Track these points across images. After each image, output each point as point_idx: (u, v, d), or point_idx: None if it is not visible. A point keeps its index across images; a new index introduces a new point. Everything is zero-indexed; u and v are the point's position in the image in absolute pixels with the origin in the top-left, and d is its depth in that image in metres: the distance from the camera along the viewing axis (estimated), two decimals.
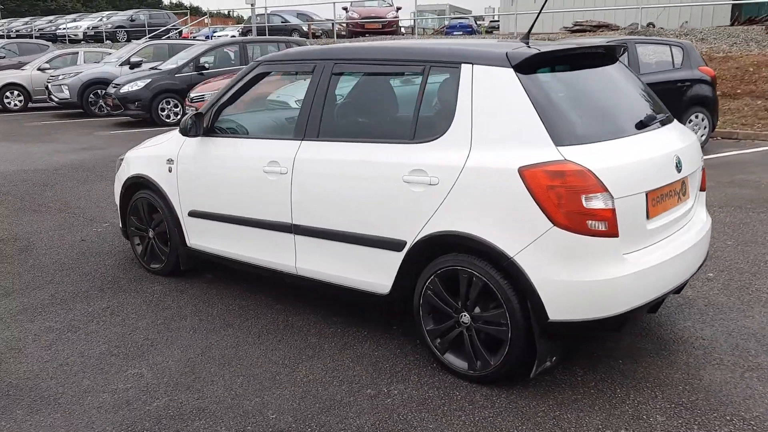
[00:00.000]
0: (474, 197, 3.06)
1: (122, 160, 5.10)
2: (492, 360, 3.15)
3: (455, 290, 3.24)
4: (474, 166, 3.07)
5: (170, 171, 4.55)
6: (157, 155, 4.66)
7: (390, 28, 25.08)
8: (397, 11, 26.37)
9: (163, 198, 4.64)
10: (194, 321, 4.11)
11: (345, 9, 26.43)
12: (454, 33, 29.05)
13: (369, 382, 3.29)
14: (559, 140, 2.92)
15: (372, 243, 3.48)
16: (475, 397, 3.14)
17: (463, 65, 3.22)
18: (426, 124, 3.31)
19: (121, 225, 5.18)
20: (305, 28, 26.69)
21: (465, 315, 3.22)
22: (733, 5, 21.49)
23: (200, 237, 4.49)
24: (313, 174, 3.68)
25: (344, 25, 25.15)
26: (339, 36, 24.77)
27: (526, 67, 3.10)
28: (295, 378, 3.37)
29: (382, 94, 3.65)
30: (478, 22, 35.36)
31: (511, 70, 3.08)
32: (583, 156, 2.90)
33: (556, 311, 2.92)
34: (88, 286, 4.72)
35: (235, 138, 4.22)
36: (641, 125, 3.28)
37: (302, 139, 3.77)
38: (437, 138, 3.23)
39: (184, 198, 4.49)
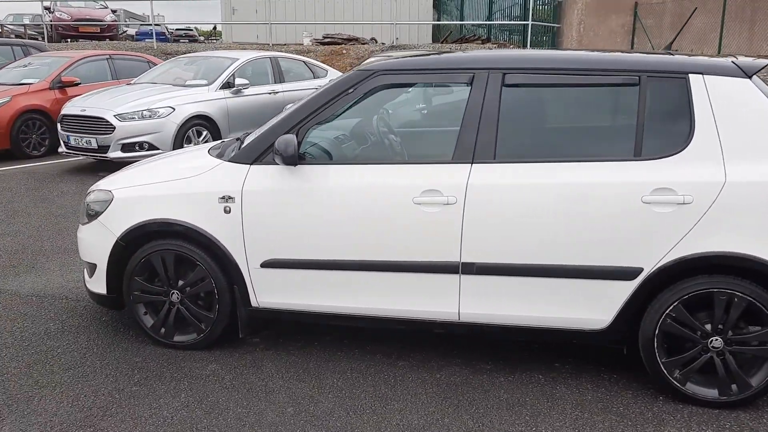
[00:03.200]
0: (742, 214, 2.89)
1: (101, 201, 3.73)
2: (753, 381, 3.02)
3: (698, 315, 3.03)
4: (737, 181, 2.90)
5: (227, 212, 3.46)
6: (196, 192, 3.51)
7: (109, 32, 22.87)
8: (113, 13, 24.20)
9: (211, 248, 3.52)
10: (332, 404, 3.19)
11: (48, 9, 23.15)
12: (146, 40, 27.85)
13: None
14: None
15: (588, 274, 3.09)
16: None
17: (691, 76, 3.02)
18: (653, 138, 3.03)
19: (104, 290, 3.79)
20: None
21: (717, 339, 3.02)
22: (434, 26, 24.32)
23: (279, 293, 3.51)
24: (498, 202, 3.13)
25: (51, 27, 21.99)
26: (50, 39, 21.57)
27: (754, 77, 3.04)
28: None
29: (581, 108, 3.25)
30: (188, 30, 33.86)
31: (749, 80, 2.99)
32: None
33: None
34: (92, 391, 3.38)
35: (349, 165, 3.36)
36: None
37: (472, 162, 3.18)
38: (677, 153, 2.99)
39: (256, 245, 3.46)
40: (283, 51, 15.07)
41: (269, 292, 3.53)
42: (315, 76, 11.22)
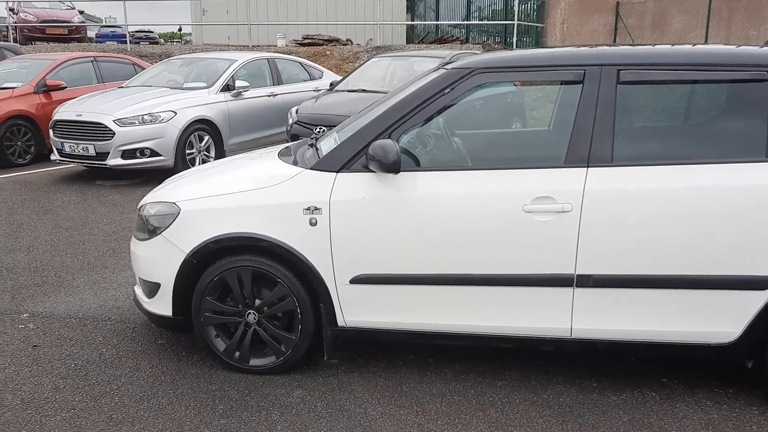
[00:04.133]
0: None
1: (164, 215, 3.41)
2: None
3: None
4: None
5: (313, 224, 3.19)
6: (278, 203, 3.23)
7: (78, 35, 22.13)
8: (81, 14, 23.49)
9: (294, 264, 3.24)
10: None
11: (12, 10, 22.27)
12: (107, 41, 27.24)
13: None
14: None
15: (717, 284, 2.91)
16: None
17: None
18: None
19: (168, 311, 3.47)
20: None
21: None
22: (407, 27, 24.16)
23: (370, 310, 3.25)
24: (618, 210, 2.92)
25: (16, 29, 21.12)
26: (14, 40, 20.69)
27: None
28: None
29: (704, 107, 3.06)
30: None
31: None
32: None
33: None
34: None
35: (451, 171, 3.12)
36: None
37: (587, 166, 2.97)
38: None
39: (345, 260, 3.19)
40: (263, 53, 14.68)
41: (359, 309, 3.26)
42: (311, 78, 10.92)
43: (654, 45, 3.21)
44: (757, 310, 2.90)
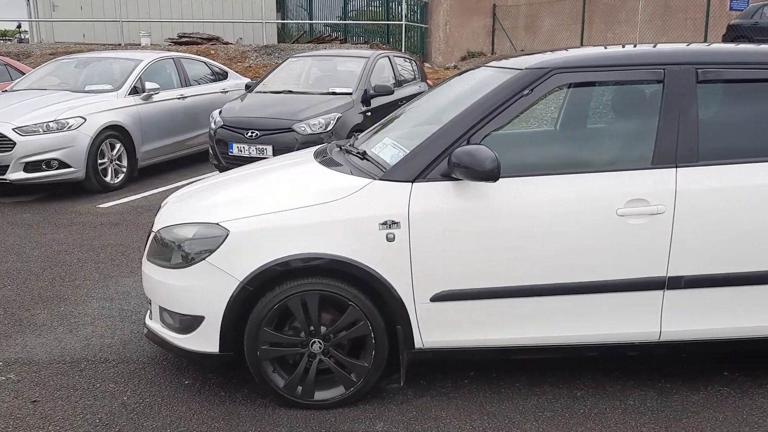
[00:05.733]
0: None
1: (208, 238, 2.98)
2: None
3: None
4: None
5: (391, 239, 2.91)
6: (350, 218, 2.92)
7: None
8: None
9: (369, 284, 2.95)
10: None
11: None
12: None
13: None
14: None
15: None
16: None
17: None
18: None
19: (215, 348, 3.03)
20: None
21: None
22: (278, 26, 23.75)
23: (451, 329, 3.03)
24: (708, 209, 2.93)
25: None
26: None
27: None
28: None
29: None
30: None
31: None
32: None
33: None
34: None
35: (539, 176, 2.96)
36: None
37: (676, 166, 2.94)
38: None
39: (427, 276, 2.95)
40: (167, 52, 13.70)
41: (438, 329, 3.03)
42: (218, 78, 10.29)
43: (734, 44, 3.26)
44: None
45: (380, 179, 2.99)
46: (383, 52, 9.56)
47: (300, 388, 3.05)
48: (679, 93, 2.97)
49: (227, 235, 2.95)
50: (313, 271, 2.95)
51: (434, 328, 3.02)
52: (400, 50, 15.73)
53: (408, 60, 10.28)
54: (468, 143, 2.93)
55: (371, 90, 8.21)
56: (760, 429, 2.90)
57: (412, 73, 9.96)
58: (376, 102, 8.26)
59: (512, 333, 3.03)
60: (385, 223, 2.91)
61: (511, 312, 3.00)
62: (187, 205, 3.35)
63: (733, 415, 3.01)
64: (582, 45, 17.10)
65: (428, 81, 10.56)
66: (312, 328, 3.00)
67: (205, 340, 3.04)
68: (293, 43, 21.30)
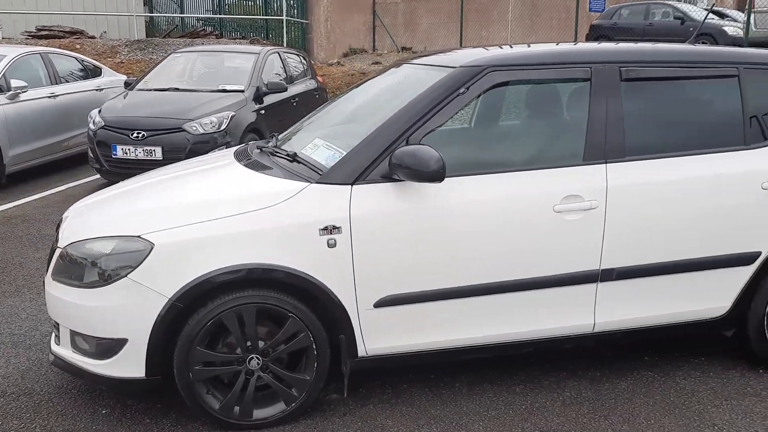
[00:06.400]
0: None
1: (127, 253, 2.71)
2: None
3: None
4: None
5: (332, 245, 2.78)
6: (287, 225, 2.75)
7: None
8: None
9: (310, 293, 2.80)
10: None
11: None
12: None
13: None
14: None
15: (714, 264, 3.17)
16: None
17: None
18: (752, 126, 3.21)
19: (140, 373, 2.76)
20: None
21: None
22: (146, 20, 22.69)
23: (395, 335, 2.94)
24: (635, 203, 3.03)
25: None
26: None
27: None
28: None
29: (692, 100, 3.24)
30: None
31: None
32: None
33: None
34: None
35: (478, 175, 2.92)
36: None
37: (605, 162, 3.02)
38: None
39: (370, 282, 2.84)
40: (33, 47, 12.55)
41: (382, 335, 2.93)
42: (92, 75, 9.58)
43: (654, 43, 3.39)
44: (743, 284, 3.23)
45: (317, 182, 2.84)
46: (273, 48, 9.31)
47: (237, 408, 2.85)
48: (604, 90, 3.05)
49: (152, 249, 2.69)
50: (250, 282, 2.76)
51: (378, 335, 2.92)
52: (284, 46, 15.44)
53: (298, 56, 10.07)
54: (407, 143, 2.85)
55: (264, 87, 7.94)
56: (688, 411, 3.04)
57: (303, 69, 9.77)
58: (268, 99, 8.01)
59: (457, 334, 2.99)
60: (325, 229, 2.77)
61: (455, 313, 2.96)
62: (98, 216, 3.04)
63: (662, 399, 3.15)
64: (461, 43, 17.58)
65: (318, 78, 10.40)
66: (249, 343, 2.81)
67: (129, 365, 2.76)
68: (164, 37, 20.31)
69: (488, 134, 3.40)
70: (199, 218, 2.76)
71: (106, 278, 2.73)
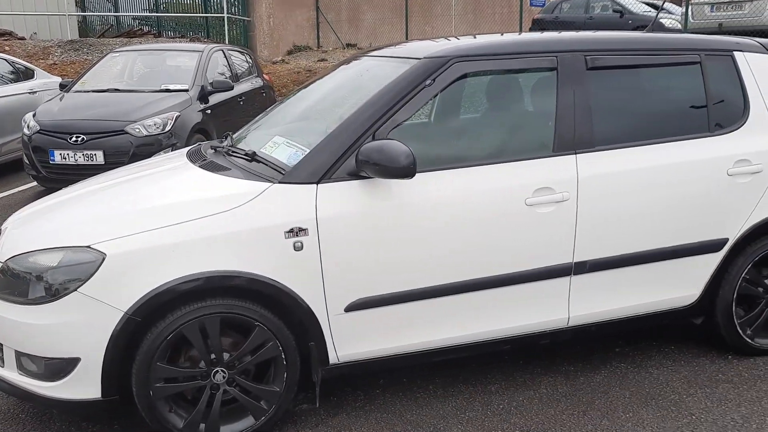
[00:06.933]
0: None
1: (75, 265, 2.50)
2: None
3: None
4: None
5: (298, 248, 2.63)
6: (250, 228, 2.59)
7: None
8: None
9: (277, 300, 2.65)
10: None
11: None
12: None
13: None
14: None
15: (684, 252, 3.16)
16: None
17: (735, 53, 3.27)
18: (716, 113, 3.20)
19: (96, 393, 2.56)
20: None
21: None
22: (79, 19, 21.86)
23: (367, 339, 2.82)
24: (606, 193, 2.98)
25: None
26: None
27: None
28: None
29: (657, 88, 3.19)
30: None
31: None
32: None
33: None
34: None
35: (449, 170, 2.81)
36: None
37: (575, 153, 2.96)
38: (739, 126, 3.21)
39: (340, 285, 2.71)
40: None
41: (354, 341, 2.80)
42: (23, 77, 9.11)
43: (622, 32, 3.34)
44: (712, 271, 3.22)
45: (280, 182, 2.69)
46: (217, 45, 9.01)
47: (203, 425, 2.67)
48: (571, 80, 2.99)
49: (103, 260, 2.49)
50: (212, 291, 2.59)
51: (350, 341, 2.79)
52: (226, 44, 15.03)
53: (243, 53, 9.80)
54: (373, 138, 2.72)
55: (209, 86, 7.68)
56: (664, 401, 3.02)
57: (248, 67, 9.51)
58: (214, 99, 7.75)
59: (432, 335, 2.88)
60: (291, 231, 2.62)
61: (429, 313, 2.85)
62: (40, 227, 2.80)
63: (637, 390, 3.11)
64: (407, 38, 17.52)
65: (265, 75, 10.16)
66: (213, 356, 2.63)
67: (83, 386, 2.55)
68: (99, 37, 19.58)
69: (454, 127, 3.29)
70: (154, 225, 2.57)
71: (53, 293, 2.51)
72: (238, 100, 8.46)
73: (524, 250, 2.90)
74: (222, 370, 2.65)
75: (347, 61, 3.68)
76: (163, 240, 2.53)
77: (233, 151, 3.11)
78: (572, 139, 2.96)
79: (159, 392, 2.59)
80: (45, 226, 2.80)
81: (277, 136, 3.05)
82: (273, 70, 14.58)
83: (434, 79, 2.84)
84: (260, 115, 3.71)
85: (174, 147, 6.82)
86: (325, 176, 2.69)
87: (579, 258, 2.99)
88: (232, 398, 2.71)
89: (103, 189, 3.11)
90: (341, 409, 2.99)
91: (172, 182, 3.04)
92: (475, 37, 3.29)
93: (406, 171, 2.59)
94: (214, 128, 7.58)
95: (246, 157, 2.97)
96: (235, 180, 2.79)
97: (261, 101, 9.32)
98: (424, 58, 2.92)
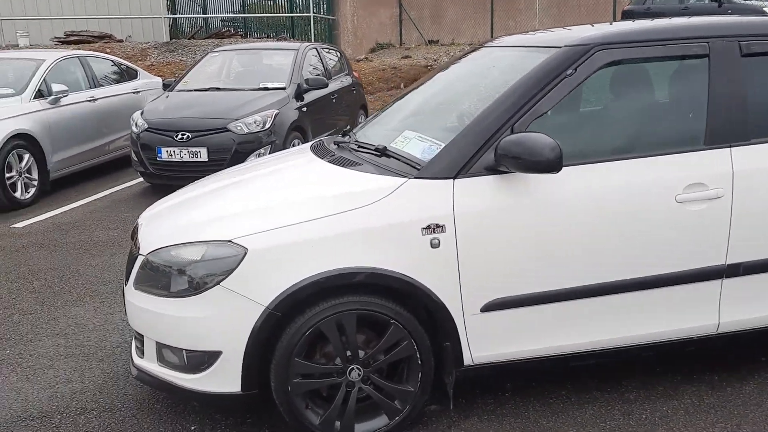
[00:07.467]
0: None
1: (217, 260, 2.50)
2: None
3: None
4: None
5: (435, 245, 2.55)
6: (387, 225, 2.53)
7: None
8: None
9: (413, 297, 2.58)
10: None
11: None
12: None
13: None
14: None
15: None
16: None
17: None
18: None
19: (236, 387, 2.56)
20: None
21: None
22: (170, 22, 22.49)
23: (503, 341, 2.71)
24: (765, 190, 2.76)
25: None
26: None
27: None
28: None
29: None
30: None
31: None
32: None
33: None
34: None
35: (594, 164, 2.68)
36: None
37: (729, 146, 2.75)
38: None
39: (477, 284, 2.61)
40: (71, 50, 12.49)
41: (489, 342, 2.70)
42: (128, 78, 9.44)
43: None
44: None
45: (416, 177, 2.61)
46: (311, 44, 9.09)
47: (338, 423, 2.63)
48: (724, 67, 2.79)
49: (245, 254, 2.48)
50: (350, 287, 2.54)
51: (485, 342, 2.69)
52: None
53: (334, 52, 9.86)
54: (512, 131, 2.61)
55: (305, 84, 7.73)
56: None
57: (339, 65, 9.55)
58: (309, 96, 7.81)
59: (571, 339, 2.75)
60: (428, 227, 2.54)
61: (570, 316, 2.72)
62: (180, 220, 2.84)
63: None
64: (492, 34, 17.26)
65: (354, 73, 10.19)
66: (349, 353, 2.59)
67: (224, 379, 2.56)
68: (190, 39, 20.21)
69: (596, 119, 3.14)
70: (293, 220, 2.54)
71: (196, 287, 2.52)
72: (331, 97, 8.50)
73: (673, 250, 2.72)
74: (357, 368, 2.61)
75: (467, 54, 3.58)
76: (301, 235, 2.51)
77: (362, 146, 3.06)
78: (726, 131, 2.76)
79: (296, 388, 2.57)
80: (183, 220, 2.83)
81: (408, 131, 2.98)
82: (358, 67, 14.62)
83: (576, 69, 2.70)
84: (383, 109, 3.65)
85: (273, 144, 6.91)
86: (462, 171, 2.60)
87: (732, 260, 2.78)
88: (364, 396, 2.66)
89: (236, 185, 3.13)
90: (472, 412, 2.89)
91: (305, 178, 3.02)
92: (611, 24, 3.12)
93: (553, 164, 2.46)
94: (309, 125, 7.64)
95: (376, 152, 2.92)
96: (369, 175, 2.73)
97: (352, 99, 9.36)
98: (565, 46, 2.78)
